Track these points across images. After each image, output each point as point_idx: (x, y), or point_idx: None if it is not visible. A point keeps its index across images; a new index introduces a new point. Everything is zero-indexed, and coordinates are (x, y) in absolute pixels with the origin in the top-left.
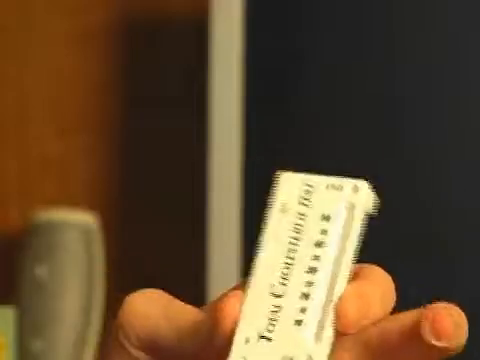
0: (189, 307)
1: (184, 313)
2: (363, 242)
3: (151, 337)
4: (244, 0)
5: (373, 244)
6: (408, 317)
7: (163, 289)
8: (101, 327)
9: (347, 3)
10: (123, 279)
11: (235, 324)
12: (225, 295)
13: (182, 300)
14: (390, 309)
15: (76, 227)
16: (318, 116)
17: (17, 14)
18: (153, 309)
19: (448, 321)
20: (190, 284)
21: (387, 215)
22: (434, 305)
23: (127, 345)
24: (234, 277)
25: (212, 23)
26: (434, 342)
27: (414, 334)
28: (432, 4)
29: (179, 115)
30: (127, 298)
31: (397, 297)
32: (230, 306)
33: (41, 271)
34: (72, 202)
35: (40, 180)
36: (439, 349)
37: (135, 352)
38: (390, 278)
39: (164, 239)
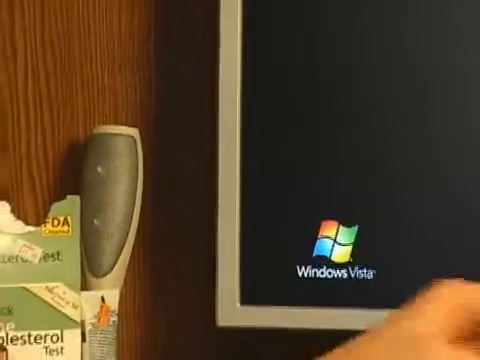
0: None
1: None
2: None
3: None
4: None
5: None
6: None
7: (176, 182)
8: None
9: (346, 5)
10: (157, 176)
11: None
12: None
13: (195, 200)
14: None
15: (124, 137)
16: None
17: None
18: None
19: None
20: (201, 179)
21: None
22: None
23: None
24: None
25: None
26: None
27: None
28: (433, 7)
29: (198, 53)
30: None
31: None
32: None
33: (99, 169)
34: (121, 120)
35: (99, 104)
36: None
37: None
38: None
39: (184, 148)
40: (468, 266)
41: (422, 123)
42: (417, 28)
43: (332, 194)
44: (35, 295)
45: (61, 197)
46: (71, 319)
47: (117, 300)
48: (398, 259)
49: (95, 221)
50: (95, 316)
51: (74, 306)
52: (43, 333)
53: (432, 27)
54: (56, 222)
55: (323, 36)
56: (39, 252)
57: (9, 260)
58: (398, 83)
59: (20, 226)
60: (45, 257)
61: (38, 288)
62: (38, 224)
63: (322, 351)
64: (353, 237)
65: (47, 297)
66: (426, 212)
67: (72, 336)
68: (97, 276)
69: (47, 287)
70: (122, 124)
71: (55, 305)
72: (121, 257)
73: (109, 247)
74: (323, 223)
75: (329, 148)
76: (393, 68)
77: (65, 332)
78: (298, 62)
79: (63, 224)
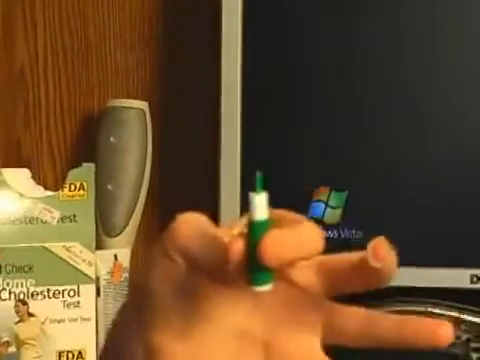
0: (217, 235)
1: (213, 238)
2: None
3: (187, 249)
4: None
5: None
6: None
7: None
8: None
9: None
10: (165, 145)
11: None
12: (233, 238)
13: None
14: (313, 250)
15: (135, 110)
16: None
17: None
18: (193, 231)
19: (384, 248)
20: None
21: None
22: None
23: (170, 250)
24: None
25: None
26: (374, 264)
27: (357, 261)
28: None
29: (203, 32)
30: (178, 219)
31: None
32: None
33: (112, 139)
34: (132, 94)
35: (112, 80)
36: (375, 271)
37: (175, 256)
38: (311, 226)
39: (189, 119)
40: (452, 226)
41: (413, 92)
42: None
43: (325, 163)
44: (54, 254)
45: (77, 164)
46: (87, 275)
47: (129, 258)
48: (384, 221)
49: (108, 186)
50: (108, 272)
51: (89, 264)
52: (61, 288)
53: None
54: (73, 187)
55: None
56: (57, 214)
57: (30, 222)
58: (396, 72)
59: (40, 191)
60: (63, 219)
61: (56, 247)
62: (56, 189)
63: None
64: (343, 201)
65: (65, 255)
66: (411, 178)
67: (87, 291)
68: (110, 236)
69: (65, 246)
70: (133, 98)
71: (72, 263)
72: (132, 219)
73: (121, 210)
74: (316, 188)
75: (324, 124)
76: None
77: (81, 287)
78: (296, 52)
79: (79, 189)
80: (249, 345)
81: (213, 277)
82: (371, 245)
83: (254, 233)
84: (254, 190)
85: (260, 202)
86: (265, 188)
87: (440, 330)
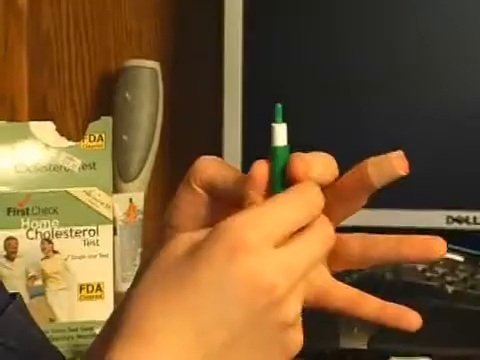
0: (238, 171)
1: (234, 171)
2: None
3: (210, 180)
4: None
5: None
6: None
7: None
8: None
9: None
10: (174, 101)
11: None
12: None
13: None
14: (333, 173)
15: (148, 70)
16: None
17: None
18: (215, 165)
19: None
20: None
21: None
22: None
23: (193, 184)
24: None
25: None
26: (402, 173)
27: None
28: None
29: (207, 5)
30: (201, 157)
31: None
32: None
33: (128, 95)
34: (146, 55)
35: (127, 43)
36: (370, 186)
37: (198, 189)
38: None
39: (196, 78)
40: (429, 168)
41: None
42: None
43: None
44: (75, 197)
45: (97, 118)
46: (105, 217)
47: (142, 201)
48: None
49: (124, 137)
50: (124, 214)
51: (107, 206)
52: (82, 228)
53: None
54: (92, 138)
55: None
56: (78, 162)
57: (54, 169)
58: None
59: (63, 141)
60: (83, 166)
61: (78, 192)
62: (78, 140)
63: None
64: None
65: (85, 199)
66: (391, 124)
67: (106, 231)
68: (126, 181)
69: (85, 191)
70: (146, 59)
71: (92, 205)
72: (145, 166)
73: (136, 158)
74: None
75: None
76: None
77: (100, 227)
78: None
79: (98, 140)
80: None
81: (233, 205)
82: (396, 157)
83: (276, 158)
84: (274, 121)
85: (281, 130)
86: (284, 119)
87: (434, 245)
